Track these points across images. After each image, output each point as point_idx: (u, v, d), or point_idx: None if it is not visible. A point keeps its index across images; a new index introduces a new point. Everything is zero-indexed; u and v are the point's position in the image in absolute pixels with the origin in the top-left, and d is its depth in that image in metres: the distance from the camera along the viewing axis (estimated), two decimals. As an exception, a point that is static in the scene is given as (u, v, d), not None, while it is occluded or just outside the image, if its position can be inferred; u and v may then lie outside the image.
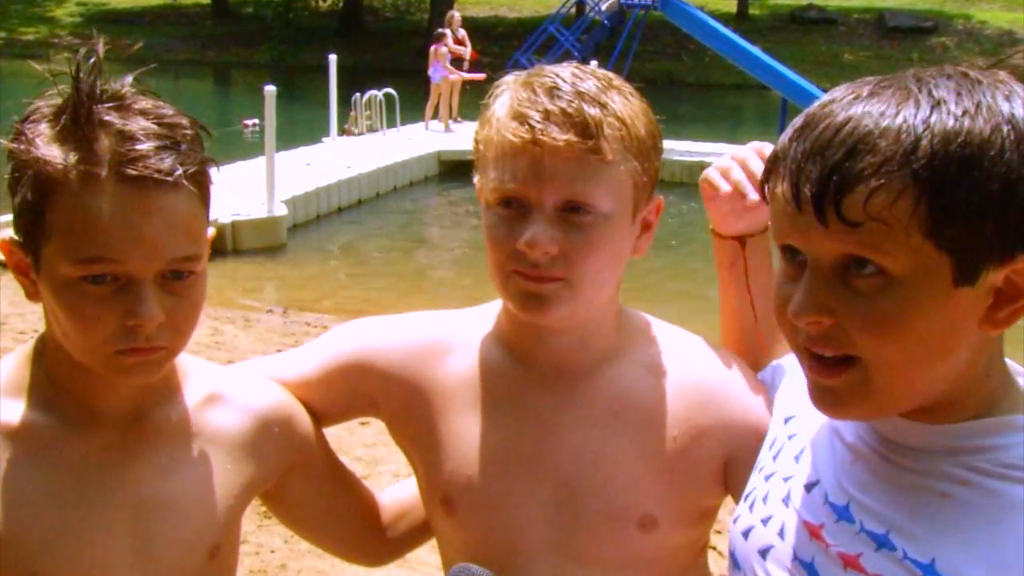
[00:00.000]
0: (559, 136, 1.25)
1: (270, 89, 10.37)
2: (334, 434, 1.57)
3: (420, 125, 17.03)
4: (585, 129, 1.26)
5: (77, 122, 1.17)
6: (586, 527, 1.38)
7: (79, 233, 1.17)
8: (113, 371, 1.24)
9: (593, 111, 1.27)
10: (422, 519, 1.57)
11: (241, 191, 10.60)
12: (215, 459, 1.38)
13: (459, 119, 17.21)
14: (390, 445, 4.77)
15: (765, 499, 1.21)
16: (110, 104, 1.19)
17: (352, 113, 16.10)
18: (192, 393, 1.39)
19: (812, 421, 1.22)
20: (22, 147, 1.19)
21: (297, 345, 1.67)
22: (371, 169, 13.44)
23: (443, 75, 16.71)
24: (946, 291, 0.96)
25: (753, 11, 35.50)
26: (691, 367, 1.43)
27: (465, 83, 16.85)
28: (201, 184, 1.24)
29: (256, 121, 15.94)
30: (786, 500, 1.18)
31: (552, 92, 1.28)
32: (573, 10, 25.21)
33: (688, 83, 29.26)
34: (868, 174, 0.94)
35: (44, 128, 1.20)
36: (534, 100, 1.28)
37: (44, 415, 1.29)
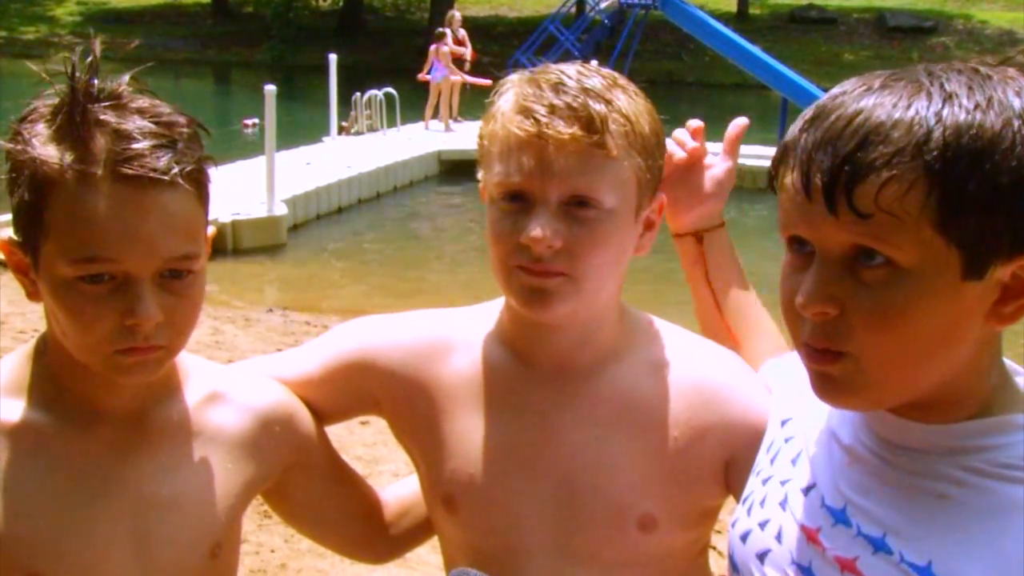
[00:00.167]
0: (564, 130, 1.26)
1: (270, 88, 10.37)
2: (334, 434, 1.57)
3: (420, 125, 17.03)
4: (590, 124, 1.26)
5: (73, 122, 1.17)
6: (586, 526, 1.38)
7: (76, 233, 1.17)
8: (112, 370, 1.24)
9: (598, 107, 1.28)
10: (424, 517, 1.57)
11: (241, 191, 10.60)
12: (216, 458, 1.38)
13: (459, 119, 17.21)
14: (390, 445, 4.78)
15: (762, 503, 1.21)
16: (106, 103, 1.19)
17: (352, 112, 16.11)
18: (193, 392, 1.39)
19: (809, 424, 1.21)
20: (19, 147, 1.19)
21: (297, 345, 1.67)
22: (371, 169, 13.43)
23: (444, 75, 16.71)
24: (954, 284, 0.96)
25: (753, 11, 35.50)
26: (693, 367, 1.43)
27: (465, 84, 16.85)
28: (199, 182, 1.24)
29: (256, 120, 15.96)
30: (783, 504, 1.17)
31: (557, 88, 1.29)
32: (573, 9, 25.21)
33: (688, 83, 29.24)
34: (880, 164, 0.94)
35: (41, 128, 1.20)
36: (539, 95, 1.28)
37: (45, 414, 1.29)
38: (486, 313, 1.49)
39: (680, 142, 1.55)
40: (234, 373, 1.49)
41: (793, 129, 1.03)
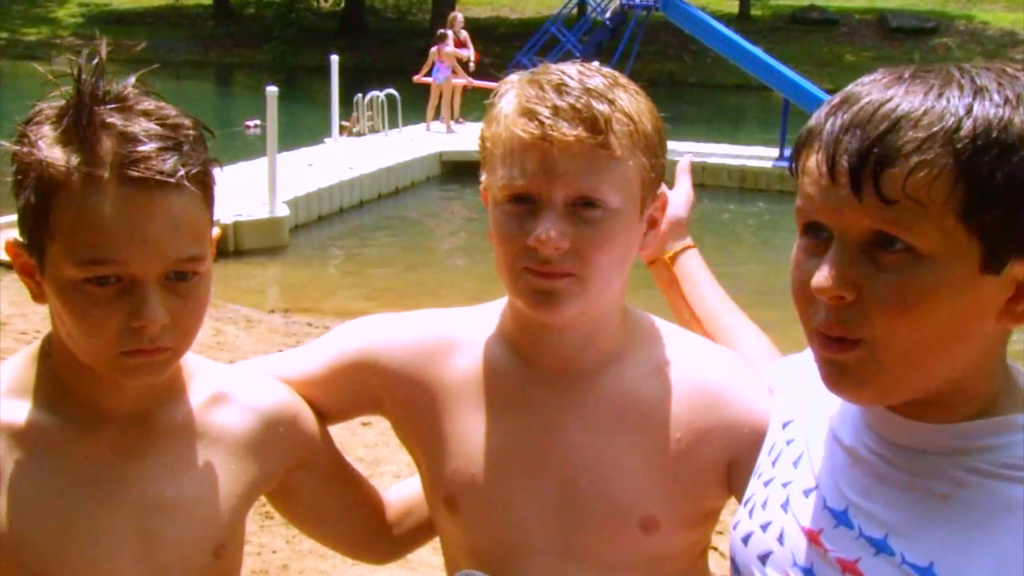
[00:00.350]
0: (569, 131, 1.26)
1: (272, 90, 10.37)
2: (336, 435, 1.57)
3: (422, 126, 17.02)
4: (594, 124, 1.27)
5: (79, 124, 1.18)
6: (588, 527, 1.38)
7: (82, 235, 1.17)
8: (118, 372, 1.24)
9: (602, 107, 1.28)
10: (426, 517, 1.58)
11: (243, 192, 10.60)
12: (220, 459, 1.38)
13: (461, 120, 17.20)
14: (392, 446, 4.78)
15: (764, 505, 1.21)
16: (112, 105, 1.19)
17: (354, 113, 16.11)
18: (197, 393, 1.39)
19: (810, 426, 1.21)
20: (25, 149, 1.19)
21: (299, 346, 1.68)
22: (373, 170, 13.43)
23: (446, 76, 16.71)
24: (972, 276, 0.96)
25: (755, 12, 35.47)
26: (695, 368, 1.43)
27: (467, 86, 16.84)
28: (204, 185, 1.24)
29: (258, 122, 15.97)
30: (785, 506, 1.17)
31: (560, 88, 1.29)
32: (575, 11, 25.20)
33: (690, 84, 29.24)
34: (910, 150, 0.94)
35: (47, 130, 1.20)
36: (543, 96, 1.28)
37: (49, 415, 1.30)
38: (489, 313, 1.49)
39: None
40: (238, 373, 1.49)
41: (818, 114, 1.03)
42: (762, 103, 23.88)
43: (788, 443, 1.25)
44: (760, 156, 15.87)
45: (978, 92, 0.96)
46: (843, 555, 1.07)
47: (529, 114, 1.28)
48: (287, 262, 10.29)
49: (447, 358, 1.47)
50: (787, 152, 13.76)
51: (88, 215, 1.17)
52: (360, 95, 16.17)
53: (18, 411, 1.29)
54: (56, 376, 1.31)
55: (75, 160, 1.17)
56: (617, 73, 1.36)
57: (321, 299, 9.04)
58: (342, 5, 36.31)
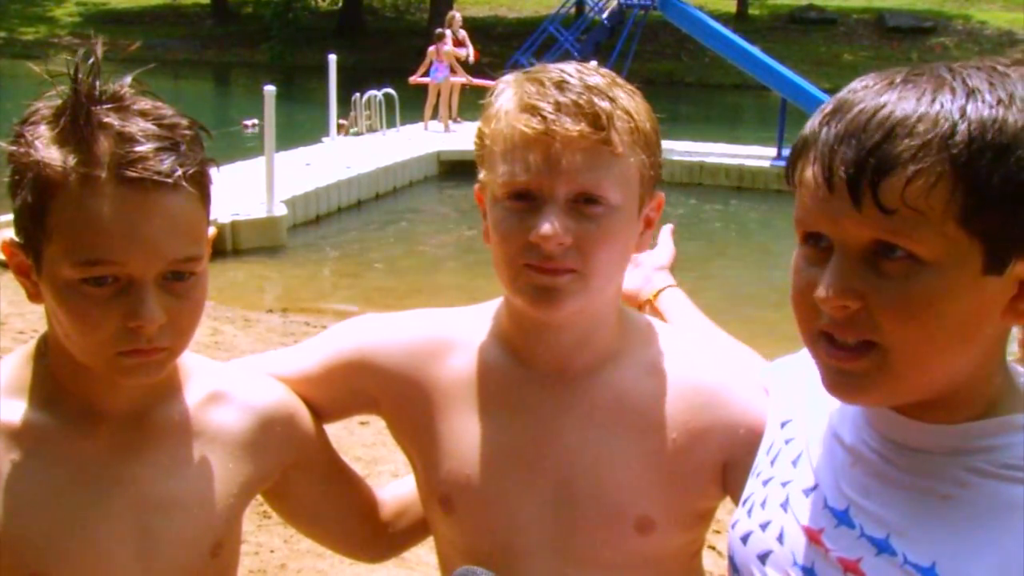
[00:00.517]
0: (572, 127, 1.26)
1: (269, 89, 10.37)
2: (333, 434, 1.57)
3: (420, 125, 17.02)
4: (597, 120, 1.27)
5: (76, 124, 1.17)
6: (583, 528, 1.38)
7: (79, 235, 1.17)
8: (115, 372, 1.24)
9: (603, 104, 1.28)
10: (422, 516, 1.57)
11: (241, 191, 10.60)
12: (217, 457, 1.38)
13: (459, 119, 17.20)
14: (389, 445, 4.77)
15: (763, 504, 1.21)
16: (109, 105, 1.19)
17: (352, 113, 16.10)
18: (194, 392, 1.39)
19: (810, 425, 1.21)
20: (22, 150, 1.19)
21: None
22: (371, 169, 13.43)
23: (445, 75, 16.70)
24: (975, 278, 0.96)
25: (753, 11, 35.49)
26: (691, 369, 1.43)
27: (466, 85, 16.83)
28: (201, 185, 1.24)
29: (256, 121, 15.93)
30: (784, 505, 1.17)
31: (561, 85, 1.29)
32: (573, 10, 25.20)
33: (688, 83, 29.26)
34: (906, 158, 0.94)
35: (43, 130, 1.20)
36: (544, 93, 1.28)
37: (46, 415, 1.30)
38: (485, 313, 1.49)
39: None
40: (235, 372, 1.49)
41: (812, 123, 1.02)
42: (760, 102, 23.91)
43: (787, 442, 1.25)
44: (758, 156, 15.87)
45: (970, 94, 0.95)
46: (845, 555, 1.07)
47: (531, 110, 1.28)
48: (285, 261, 10.29)
49: (443, 358, 1.47)
50: (785, 152, 13.75)
51: (85, 215, 1.16)
52: (358, 94, 16.15)
53: (14, 410, 1.29)
54: (52, 375, 1.31)
55: (72, 160, 1.17)
56: (613, 73, 1.36)
57: (319, 298, 9.05)
58: (340, 4, 36.30)
